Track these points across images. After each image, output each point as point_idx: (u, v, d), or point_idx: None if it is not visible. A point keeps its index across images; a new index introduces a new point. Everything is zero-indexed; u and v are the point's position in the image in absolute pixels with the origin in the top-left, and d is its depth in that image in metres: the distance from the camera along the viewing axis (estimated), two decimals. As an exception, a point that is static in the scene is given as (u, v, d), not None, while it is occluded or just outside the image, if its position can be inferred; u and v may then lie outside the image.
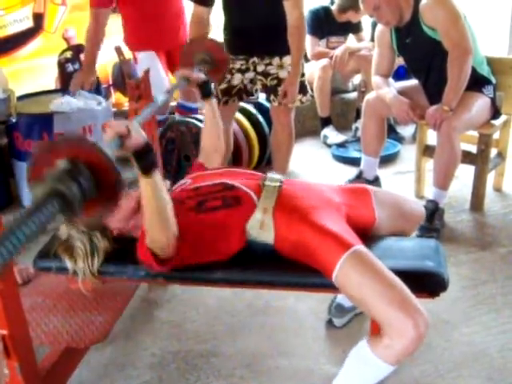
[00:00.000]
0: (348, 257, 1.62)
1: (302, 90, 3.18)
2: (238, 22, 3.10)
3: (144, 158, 1.46)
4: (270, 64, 3.10)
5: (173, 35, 3.65)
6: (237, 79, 3.16)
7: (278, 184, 1.85)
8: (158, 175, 1.52)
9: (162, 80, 3.59)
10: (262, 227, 1.76)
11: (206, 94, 2.24)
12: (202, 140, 2.29)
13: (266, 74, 3.12)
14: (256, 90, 3.28)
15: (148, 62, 3.46)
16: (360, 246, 1.66)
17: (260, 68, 3.12)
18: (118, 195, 1.21)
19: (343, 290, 1.66)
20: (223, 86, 3.17)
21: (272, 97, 3.18)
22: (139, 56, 3.64)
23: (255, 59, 3.11)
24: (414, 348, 1.55)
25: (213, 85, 2.57)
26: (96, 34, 3.42)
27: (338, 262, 1.61)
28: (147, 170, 1.49)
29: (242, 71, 3.14)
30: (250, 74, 3.15)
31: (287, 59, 3.07)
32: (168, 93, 2.18)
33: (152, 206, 1.56)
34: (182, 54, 2.66)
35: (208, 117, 2.27)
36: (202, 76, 2.24)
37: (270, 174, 1.93)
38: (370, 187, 2.06)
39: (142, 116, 1.75)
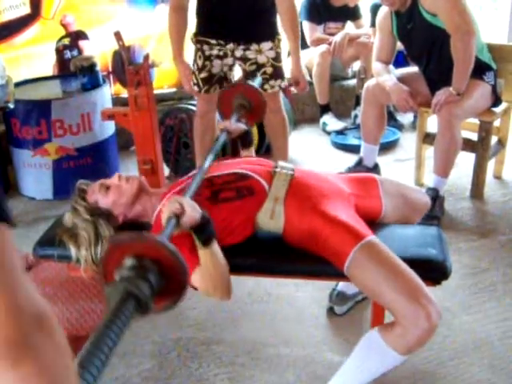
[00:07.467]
0: (360, 248, 1.62)
1: (280, 75, 3.11)
2: (212, 7, 2.97)
3: (202, 232, 1.51)
4: (247, 49, 3.00)
5: None
6: (216, 67, 3.07)
7: (289, 172, 1.84)
8: (215, 244, 1.56)
9: None
10: (272, 217, 1.75)
11: (246, 144, 2.19)
12: None
13: (244, 59, 3.04)
14: (233, 77, 3.24)
15: None
16: (372, 237, 1.66)
17: (238, 53, 3.03)
18: (185, 283, 1.22)
19: (355, 280, 1.66)
20: (204, 74, 3.08)
21: None
22: None
23: (231, 45, 3.01)
24: (426, 338, 1.56)
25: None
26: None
27: (350, 253, 1.61)
28: (206, 242, 1.53)
29: (221, 57, 3.05)
30: (228, 60, 3.06)
31: (265, 45, 2.99)
32: (212, 152, 1.96)
33: (210, 273, 1.60)
34: (220, 101, 2.47)
35: None
36: (242, 126, 2.17)
37: (281, 163, 1.91)
38: (377, 177, 2.05)
39: (192, 189, 1.68)
